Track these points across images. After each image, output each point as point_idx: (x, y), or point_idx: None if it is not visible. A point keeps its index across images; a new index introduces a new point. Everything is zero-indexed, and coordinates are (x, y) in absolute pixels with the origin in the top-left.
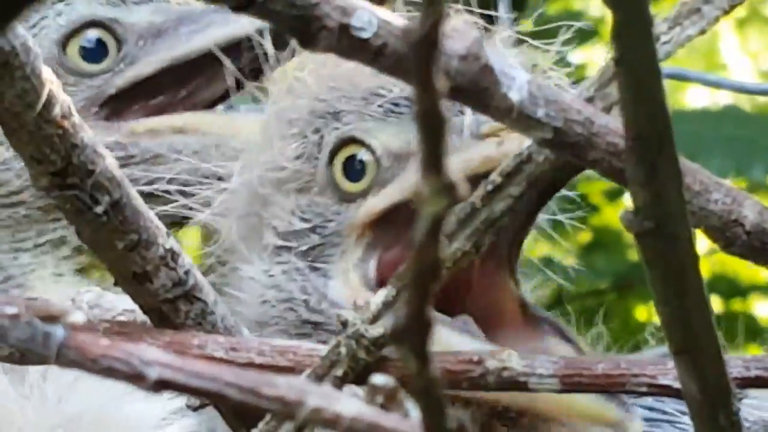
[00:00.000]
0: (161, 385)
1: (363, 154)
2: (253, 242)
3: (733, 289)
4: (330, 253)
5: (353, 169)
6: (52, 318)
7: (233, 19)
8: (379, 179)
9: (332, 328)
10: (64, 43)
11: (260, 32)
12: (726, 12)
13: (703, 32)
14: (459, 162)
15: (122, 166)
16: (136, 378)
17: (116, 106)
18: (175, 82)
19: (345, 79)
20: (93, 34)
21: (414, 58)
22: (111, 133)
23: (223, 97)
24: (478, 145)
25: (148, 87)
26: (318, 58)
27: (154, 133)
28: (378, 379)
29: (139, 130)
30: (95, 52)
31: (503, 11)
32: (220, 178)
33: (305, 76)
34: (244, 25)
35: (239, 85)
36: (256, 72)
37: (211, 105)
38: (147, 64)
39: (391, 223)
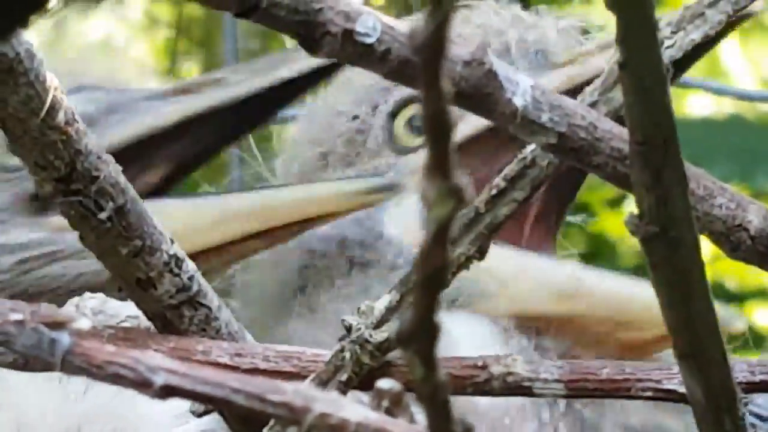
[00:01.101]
0: (167, 391)
1: None
2: None
3: (731, 296)
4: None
5: (415, 127)
6: (57, 324)
7: (166, 105)
8: None
9: (386, 265)
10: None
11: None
12: (730, 16)
13: (707, 37)
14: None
15: (49, 262)
16: (142, 384)
17: (44, 200)
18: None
19: None
20: None
21: (420, 61)
22: (38, 229)
23: (159, 186)
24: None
25: None
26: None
27: None
28: (384, 383)
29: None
30: None
31: None
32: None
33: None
34: (176, 111)
35: (179, 172)
36: (197, 157)
37: (146, 195)
38: None
39: None
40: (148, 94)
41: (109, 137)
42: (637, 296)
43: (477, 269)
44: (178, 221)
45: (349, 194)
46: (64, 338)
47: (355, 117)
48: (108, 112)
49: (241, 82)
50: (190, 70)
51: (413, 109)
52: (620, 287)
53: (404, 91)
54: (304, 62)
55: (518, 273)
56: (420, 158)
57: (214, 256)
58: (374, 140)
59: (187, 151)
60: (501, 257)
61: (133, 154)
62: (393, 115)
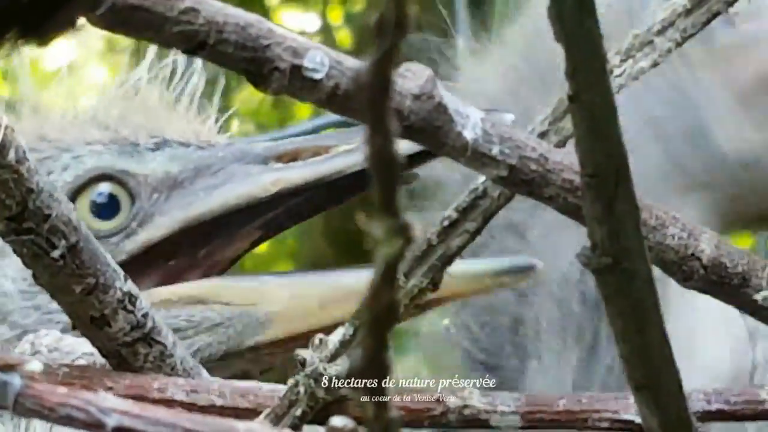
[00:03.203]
0: None
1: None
2: None
3: None
4: None
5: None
6: (8, 367)
7: (253, 172)
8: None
9: None
10: (72, 199)
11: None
12: (678, 44)
13: (656, 64)
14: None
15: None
16: (94, 426)
17: (127, 271)
18: (191, 241)
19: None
20: (104, 188)
21: (365, 100)
22: None
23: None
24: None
25: (162, 247)
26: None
27: (169, 304)
28: (337, 420)
29: (154, 301)
30: (106, 209)
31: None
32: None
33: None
34: (265, 183)
35: (259, 242)
36: (276, 227)
37: (231, 265)
38: (161, 226)
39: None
40: (239, 155)
41: (198, 205)
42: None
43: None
44: (283, 301)
45: (478, 276)
46: (16, 380)
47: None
48: (196, 174)
49: (343, 155)
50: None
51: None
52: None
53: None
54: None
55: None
56: None
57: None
58: None
59: (280, 220)
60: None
61: (222, 223)
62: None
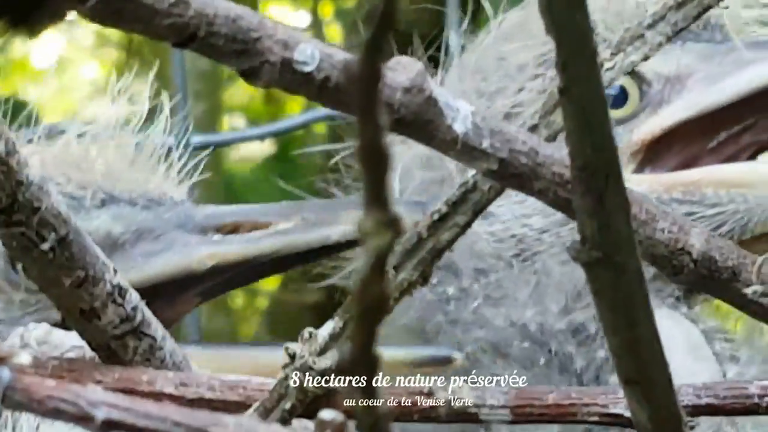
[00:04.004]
0: (109, 426)
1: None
2: None
3: None
4: None
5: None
6: None
7: (192, 242)
8: (649, 101)
9: None
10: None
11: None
12: (669, 38)
13: (646, 58)
14: None
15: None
16: (83, 419)
17: None
18: None
19: None
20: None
21: (355, 92)
22: None
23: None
24: None
25: None
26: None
27: None
28: (326, 414)
29: None
30: None
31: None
32: None
33: (528, 22)
34: (201, 256)
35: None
36: (213, 294)
37: (171, 326)
38: None
39: (662, 143)
40: (181, 221)
41: (136, 271)
42: None
43: None
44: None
45: (397, 363)
46: (5, 373)
47: (535, 77)
48: (137, 238)
49: (281, 234)
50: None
51: None
52: None
53: None
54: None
55: None
56: (642, 129)
57: None
58: None
59: (216, 288)
60: None
61: (160, 288)
62: None
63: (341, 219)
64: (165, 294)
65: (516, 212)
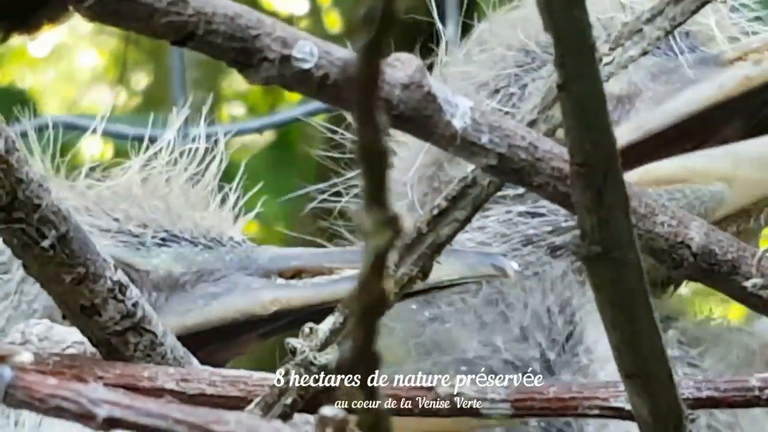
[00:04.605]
0: (111, 424)
1: None
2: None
3: None
4: None
5: None
6: None
7: (254, 286)
8: None
9: None
10: None
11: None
12: (668, 32)
13: (645, 53)
14: (713, 89)
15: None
16: (85, 417)
17: None
18: (186, 344)
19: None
20: None
21: (354, 92)
22: None
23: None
24: (729, 70)
25: None
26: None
27: None
28: (327, 410)
29: None
30: None
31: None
32: None
33: (496, 28)
34: (264, 301)
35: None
36: (274, 334)
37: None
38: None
39: None
40: (243, 263)
41: (196, 313)
42: None
43: None
44: None
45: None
46: (6, 372)
47: (498, 90)
48: (197, 279)
49: (346, 280)
50: (139, 78)
51: None
52: None
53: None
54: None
55: None
56: None
57: None
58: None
59: (277, 330)
60: None
61: (220, 330)
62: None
63: None
64: (225, 335)
65: (476, 239)
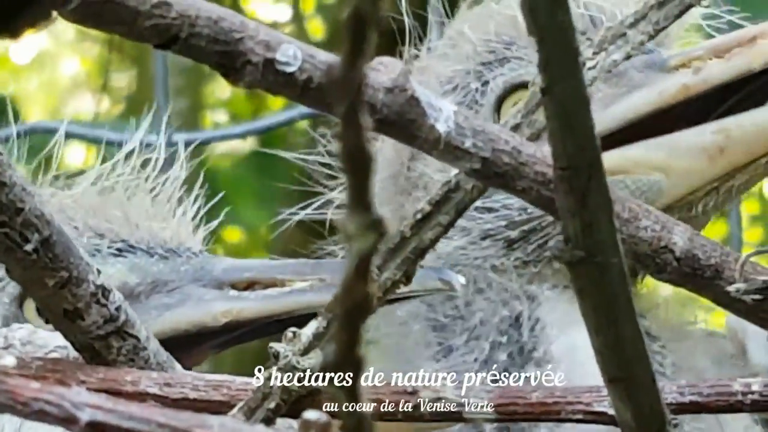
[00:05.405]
0: (93, 428)
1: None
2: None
3: None
4: None
5: None
6: None
7: (207, 297)
8: None
9: None
10: (21, 301)
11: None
12: (651, 37)
13: (628, 57)
14: (654, 95)
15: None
16: (67, 420)
17: None
18: None
19: (509, 26)
20: None
21: (338, 95)
22: None
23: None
24: (670, 77)
25: None
26: (476, 11)
27: None
28: (310, 414)
29: None
30: None
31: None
32: None
33: (463, 27)
34: (215, 312)
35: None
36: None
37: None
38: None
39: None
40: (197, 275)
41: (152, 323)
42: None
43: None
44: None
45: None
46: None
47: (464, 86)
48: (152, 289)
49: (297, 293)
50: (122, 85)
51: (519, 96)
52: None
53: (511, 75)
54: None
55: None
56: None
57: None
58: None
59: (230, 342)
60: None
61: (174, 340)
62: (498, 103)
63: None
64: (179, 346)
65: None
